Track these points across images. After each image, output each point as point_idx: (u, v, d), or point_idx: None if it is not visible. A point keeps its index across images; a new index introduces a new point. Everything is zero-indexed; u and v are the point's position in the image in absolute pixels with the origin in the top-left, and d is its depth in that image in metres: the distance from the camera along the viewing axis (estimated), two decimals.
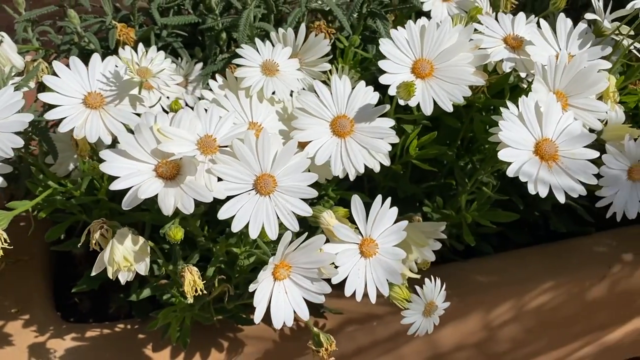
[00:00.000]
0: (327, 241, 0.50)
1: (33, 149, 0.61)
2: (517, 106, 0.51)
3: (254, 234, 0.45)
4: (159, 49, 0.62)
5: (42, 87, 0.60)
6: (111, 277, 0.46)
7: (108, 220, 0.48)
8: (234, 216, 0.45)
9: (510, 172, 0.48)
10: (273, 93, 0.53)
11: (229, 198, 0.45)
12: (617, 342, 0.93)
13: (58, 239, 0.64)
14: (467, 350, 0.80)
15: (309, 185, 0.47)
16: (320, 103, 0.52)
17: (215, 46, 0.66)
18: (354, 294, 0.50)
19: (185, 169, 0.44)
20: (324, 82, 0.59)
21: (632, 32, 0.64)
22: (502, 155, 0.48)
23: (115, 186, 0.43)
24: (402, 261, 0.57)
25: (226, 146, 0.47)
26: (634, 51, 0.68)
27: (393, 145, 0.62)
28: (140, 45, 0.58)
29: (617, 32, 0.62)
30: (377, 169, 0.57)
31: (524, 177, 0.48)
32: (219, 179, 0.45)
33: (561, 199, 0.49)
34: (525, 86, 0.65)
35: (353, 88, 0.53)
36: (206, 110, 0.47)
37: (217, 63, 0.65)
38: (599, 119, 0.56)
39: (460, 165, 0.66)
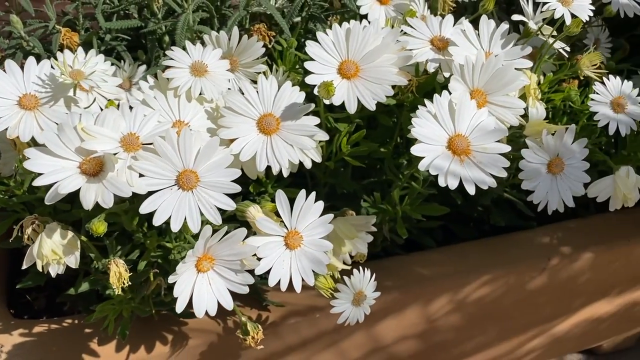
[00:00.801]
0: (254, 234, 0.53)
1: None
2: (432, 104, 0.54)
3: (175, 227, 0.48)
4: (104, 53, 0.64)
5: None
6: (40, 270, 0.48)
7: (40, 217, 0.50)
8: (156, 210, 0.47)
9: (421, 166, 0.51)
10: (201, 93, 0.56)
11: (150, 193, 0.47)
12: (566, 333, 0.96)
13: (6, 237, 0.66)
14: (411, 341, 0.83)
15: (233, 181, 0.50)
16: (246, 102, 0.54)
17: (158, 49, 0.69)
18: (279, 284, 0.52)
19: (107, 165, 0.46)
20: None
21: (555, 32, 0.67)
22: (415, 150, 0.51)
23: (38, 182, 0.45)
24: (334, 253, 0.60)
25: (150, 144, 0.49)
26: (561, 51, 0.71)
27: (330, 143, 0.65)
28: (80, 49, 0.61)
29: (539, 32, 0.65)
30: (308, 165, 0.60)
31: (435, 171, 0.51)
32: (141, 175, 0.47)
33: (471, 190, 0.52)
34: None
35: (279, 88, 0.55)
36: (131, 109, 0.49)
37: (160, 65, 0.67)
38: (518, 115, 0.58)
39: (398, 162, 0.68)
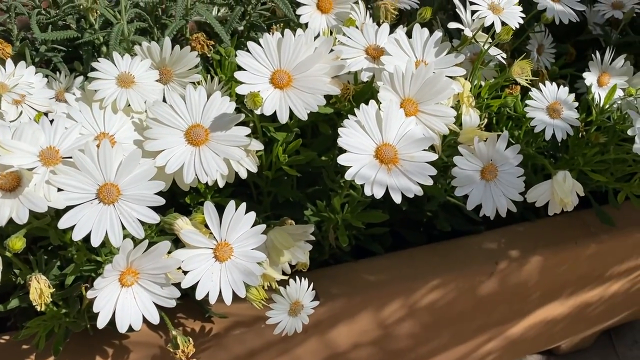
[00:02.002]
0: (183, 246, 0.53)
1: None
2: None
3: (95, 241, 0.47)
4: (40, 64, 0.63)
5: None
6: None
7: None
8: (75, 225, 0.47)
9: (348, 176, 0.51)
10: (128, 105, 0.55)
11: (69, 208, 0.47)
12: (520, 335, 0.97)
13: None
14: (366, 348, 0.83)
15: (156, 194, 0.49)
16: (173, 113, 0.54)
17: (95, 59, 0.68)
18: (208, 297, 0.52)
19: (24, 180, 0.46)
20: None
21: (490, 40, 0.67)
22: (342, 159, 0.51)
23: None
24: (272, 263, 0.60)
25: (69, 157, 0.48)
26: (500, 58, 0.72)
27: (270, 152, 0.65)
28: (9, 61, 0.60)
29: (474, 39, 0.66)
30: (243, 175, 0.60)
31: (361, 180, 0.51)
32: (60, 190, 0.47)
33: (397, 199, 0.52)
34: None
35: (208, 97, 0.55)
36: (52, 122, 0.49)
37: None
38: (448, 123, 0.59)
39: (337, 169, 0.68)
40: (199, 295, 0.51)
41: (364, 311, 0.78)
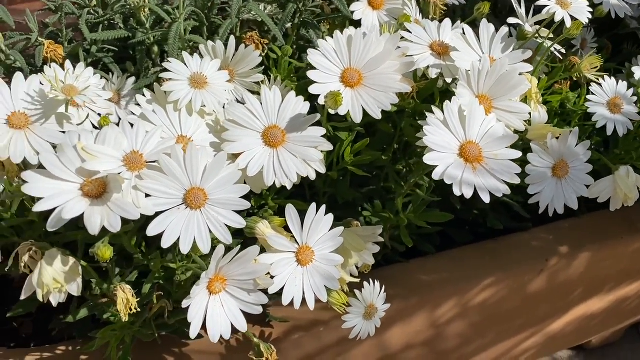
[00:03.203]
0: (264, 251, 0.51)
1: None
2: (443, 111, 0.53)
3: (185, 248, 0.45)
4: (89, 65, 0.61)
5: None
6: (41, 300, 0.45)
7: (37, 242, 0.47)
8: (164, 232, 0.45)
9: (435, 175, 0.50)
10: (203, 106, 0.53)
11: (158, 214, 0.45)
12: (560, 331, 0.97)
13: None
14: (416, 349, 0.82)
15: (241, 197, 0.47)
16: (250, 114, 0.52)
17: (147, 60, 0.66)
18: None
19: (111, 186, 0.44)
20: (255, 92, 0.60)
21: (551, 35, 0.66)
22: (428, 159, 0.50)
23: (38, 208, 0.42)
24: (342, 266, 0.59)
25: (155, 161, 0.46)
26: (555, 52, 0.71)
27: (330, 152, 0.63)
28: (68, 62, 0.57)
29: (537, 35, 0.65)
30: (312, 176, 0.58)
31: (449, 180, 0.50)
32: (147, 195, 0.45)
33: (486, 199, 0.51)
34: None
35: (283, 98, 0.53)
36: (132, 125, 0.47)
37: (150, 77, 0.65)
38: (523, 120, 0.58)
39: (397, 168, 0.67)
40: (285, 300, 0.49)
41: (419, 312, 0.77)
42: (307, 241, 0.51)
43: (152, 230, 0.45)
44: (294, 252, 0.51)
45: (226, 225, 0.47)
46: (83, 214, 0.42)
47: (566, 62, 0.71)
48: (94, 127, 0.57)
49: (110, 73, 0.64)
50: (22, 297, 0.46)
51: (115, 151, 0.45)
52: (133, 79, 0.65)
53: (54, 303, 0.46)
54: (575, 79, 0.72)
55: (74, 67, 0.58)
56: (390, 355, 0.79)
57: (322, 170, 0.59)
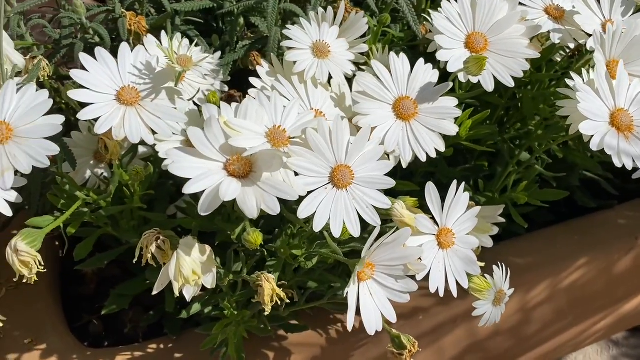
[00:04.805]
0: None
1: None
2: (582, 77, 0.49)
3: (336, 231, 0.41)
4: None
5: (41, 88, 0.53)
6: (176, 294, 0.41)
7: (162, 230, 0.42)
8: (314, 215, 0.40)
9: (593, 146, 0.46)
10: (330, 77, 0.49)
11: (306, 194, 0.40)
12: (631, 311, 0.94)
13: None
14: (502, 335, 0.78)
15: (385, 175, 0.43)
16: (380, 85, 0.47)
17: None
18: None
19: (259, 164, 0.39)
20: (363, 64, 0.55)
21: None
22: (584, 128, 0.46)
23: (188, 189, 0.37)
24: None
25: (294, 137, 0.42)
26: None
27: None
28: (177, 35, 0.52)
29: None
30: (432, 154, 0.54)
31: (610, 150, 0.46)
32: (296, 174, 0.40)
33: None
34: (559, 59, 0.63)
35: (412, 67, 0.49)
36: (269, 99, 0.42)
37: (238, 51, 0.60)
38: None
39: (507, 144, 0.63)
40: (433, 288, 0.45)
41: (513, 295, 0.73)
42: (446, 223, 0.47)
43: (303, 213, 0.40)
44: (435, 235, 0.47)
45: (372, 206, 0.42)
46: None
47: None
48: (195, 104, 0.52)
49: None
50: (155, 292, 0.41)
51: (258, 126, 0.40)
52: (219, 53, 0.59)
53: (188, 297, 0.41)
54: None
55: (160, 41, 0.53)
56: (477, 342, 0.76)
57: (442, 147, 0.54)
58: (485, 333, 0.76)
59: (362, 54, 0.56)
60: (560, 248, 0.75)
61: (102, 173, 0.53)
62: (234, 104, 0.41)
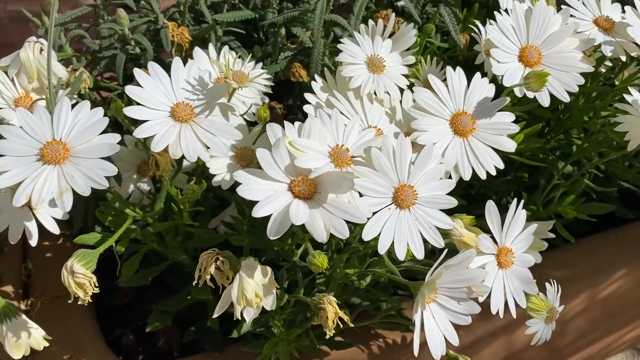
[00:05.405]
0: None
1: None
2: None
3: (400, 253, 0.40)
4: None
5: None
6: (237, 317, 0.40)
7: (220, 250, 0.41)
8: (379, 236, 0.39)
9: None
10: (386, 92, 0.48)
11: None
12: None
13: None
14: (537, 346, 0.78)
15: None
16: (438, 100, 0.46)
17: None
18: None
19: (324, 186, 0.38)
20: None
21: None
22: None
23: (257, 213, 0.36)
24: None
25: (356, 156, 0.40)
26: None
27: None
28: (225, 48, 0.51)
29: None
30: (493, 171, 0.52)
31: None
32: (360, 195, 0.39)
33: None
34: (604, 70, 0.62)
35: (469, 81, 0.48)
36: (329, 117, 0.41)
37: (280, 62, 0.59)
38: None
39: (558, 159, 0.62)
40: (495, 309, 0.44)
41: None
42: (505, 241, 0.46)
43: (367, 235, 0.39)
44: (494, 254, 0.45)
45: (435, 227, 0.41)
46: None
47: None
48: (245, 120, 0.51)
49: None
50: (216, 314, 0.40)
51: (321, 145, 0.39)
52: (260, 64, 0.58)
53: (248, 319, 0.40)
54: None
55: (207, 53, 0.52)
56: (513, 354, 0.75)
57: (501, 164, 0.52)
58: (521, 345, 0.75)
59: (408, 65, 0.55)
60: (599, 260, 0.74)
61: (150, 189, 0.52)
62: (296, 123, 0.40)
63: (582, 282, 0.72)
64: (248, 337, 0.56)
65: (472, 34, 0.59)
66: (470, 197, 0.66)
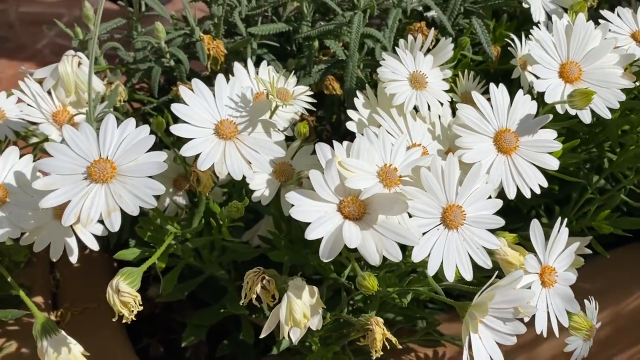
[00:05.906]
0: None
1: None
2: None
3: (450, 274, 0.39)
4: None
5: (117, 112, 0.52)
6: (285, 337, 0.39)
7: (265, 269, 0.41)
8: (429, 257, 0.39)
9: None
10: (428, 109, 0.47)
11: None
12: None
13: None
14: (559, 358, 0.77)
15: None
16: (481, 117, 0.46)
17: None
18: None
19: (374, 207, 0.38)
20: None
21: None
22: None
23: (310, 235, 0.36)
24: None
25: (404, 176, 0.40)
26: None
27: None
28: (264, 66, 0.51)
29: None
30: (537, 190, 0.51)
31: None
32: (410, 215, 0.39)
33: None
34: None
35: (512, 98, 0.47)
36: (377, 135, 0.41)
37: (314, 75, 0.58)
38: None
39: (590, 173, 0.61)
40: (539, 329, 0.44)
41: None
42: (548, 260, 0.46)
43: (417, 256, 0.38)
44: (538, 274, 0.45)
45: (483, 247, 0.41)
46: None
47: None
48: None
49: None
50: (263, 334, 0.40)
51: (370, 165, 0.39)
52: (295, 78, 0.58)
53: (295, 340, 0.40)
54: None
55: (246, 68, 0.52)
56: None
57: (545, 182, 0.51)
58: (545, 358, 0.74)
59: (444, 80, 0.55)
60: (628, 272, 0.74)
61: (185, 202, 0.51)
62: (345, 142, 0.40)
63: (610, 294, 0.72)
64: (282, 352, 0.56)
65: (507, 47, 0.59)
66: (502, 210, 0.66)
